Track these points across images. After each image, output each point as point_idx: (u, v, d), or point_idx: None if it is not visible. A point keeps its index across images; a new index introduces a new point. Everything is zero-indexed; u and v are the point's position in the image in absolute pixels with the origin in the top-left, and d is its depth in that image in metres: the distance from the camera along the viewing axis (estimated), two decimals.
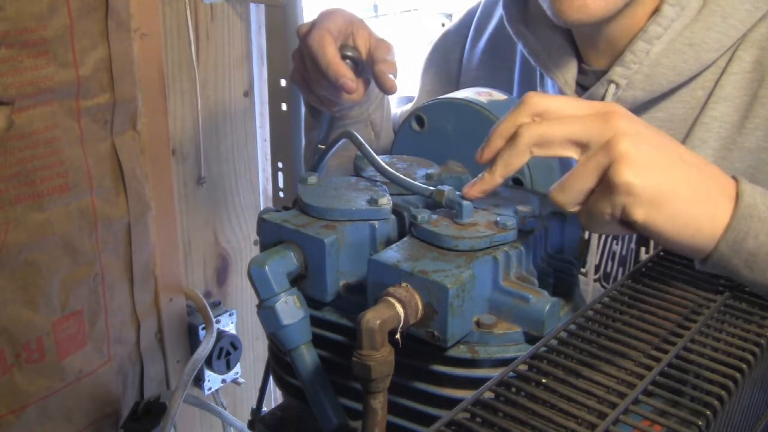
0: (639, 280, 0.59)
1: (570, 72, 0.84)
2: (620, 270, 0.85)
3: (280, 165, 1.42)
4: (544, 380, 0.47)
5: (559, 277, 0.62)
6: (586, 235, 0.67)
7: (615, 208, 0.54)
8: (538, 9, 0.81)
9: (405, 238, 0.59)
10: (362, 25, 0.84)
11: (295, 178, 1.40)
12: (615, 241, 0.85)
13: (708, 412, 0.44)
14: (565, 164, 0.69)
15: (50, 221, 1.01)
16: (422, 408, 0.58)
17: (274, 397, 1.52)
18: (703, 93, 0.79)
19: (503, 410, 0.45)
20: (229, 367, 1.35)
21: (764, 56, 0.77)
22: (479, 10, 1.01)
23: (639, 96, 0.79)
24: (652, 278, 0.59)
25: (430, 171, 0.69)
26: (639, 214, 0.53)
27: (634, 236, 0.83)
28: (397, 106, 1.10)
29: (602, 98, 0.80)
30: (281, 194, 1.44)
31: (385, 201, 0.62)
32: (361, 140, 0.68)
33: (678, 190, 0.54)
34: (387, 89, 0.83)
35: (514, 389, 0.47)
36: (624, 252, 0.84)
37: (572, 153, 0.56)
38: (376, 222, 0.61)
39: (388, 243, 0.61)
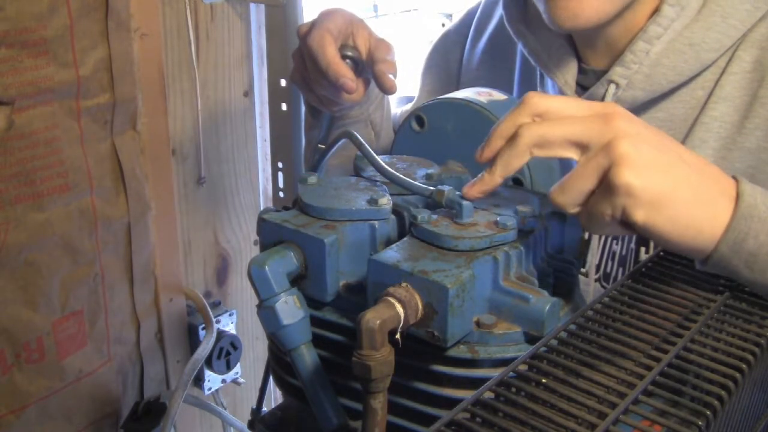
0: (639, 280, 0.59)
1: (570, 72, 0.84)
2: (620, 270, 0.85)
3: (280, 165, 1.42)
4: (544, 380, 0.47)
5: (559, 277, 0.62)
6: (586, 236, 0.67)
7: (615, 210, 0.54)
8: (538, 9, 0.81)
9: (405, 238, 0.59)
10: (362, 25, 0.84)
11: (295, 178, 1.40)
12: (615, 241, 0.85)
13: (708, 412, 0.44)
14: (566, 164, 0.69)
15: (50, 221, 1.01)
16: (422, 408, 0.58)
17: (274, 397, 1.52)
18: (703, 93, 0.79)
19: (503, 410, 0.45)
20: (229, 367, 1.35)
21: (764, 56, 0.77)
22: (479, 10, 1.02)
23: (639, 96, 0.79)
24: (652, 278, 0.59)
25: (430, 171, 0.69)
26: (639, 216, 0.53)
27: (634, 236, 0.83)
28: (397, 106, 1.10)
29: (602, 98, 0.80)
30: (281, 194, 1.44)
31: (385, 201, 0.62)
32: (361, 140, 0.68)
33: (678, 192, 0.54)
34: (387, 89, 0.83)
35: (514, 389, 0.47)
36: (624, 252, 0.84)
37: (572, 154, 0.56)
38: (376, 222, 0.61)
39: (388, 243, 0.61)
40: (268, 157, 1.43)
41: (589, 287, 0.86)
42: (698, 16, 0.77)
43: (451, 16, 1.78)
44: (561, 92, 0.85)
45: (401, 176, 0.66)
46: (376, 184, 0.67)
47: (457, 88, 0.85)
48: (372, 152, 0.67)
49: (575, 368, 0.48)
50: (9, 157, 0.95)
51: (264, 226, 0.63)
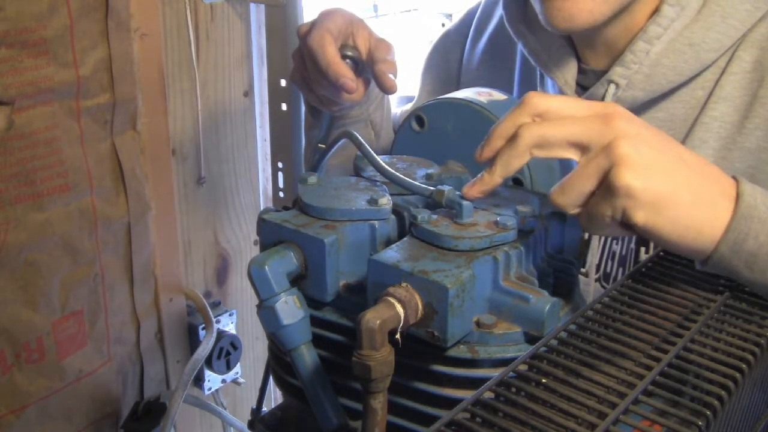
0: (639, 280, 0.59)
1: (570, 72, 0.84)
2: (620, 270, 0.85)
3: (280, 165, 1.42)
4: (544, 380, 0.47)
5: (559, 277, 0.62)
6: (586, 236, 0.67)
7: (615, 211, 0.54)
8: None
9: (405, 238, 0.59)
10: (362, 24, 0.84)
11: (295, 178, 1.40)
12: (615, 241, 0.85)
13: (708, 412, 0.44)
14: (566, 165, 0.69)
15: (50, 221, 1.01)
16: (422, 408, 0.58)
17: (274, 397, 1.52)
18: (703, 93, 0.79)
19: (503, 410, 0.45)
20: (229, 367, 1.35)
21: (764, 56, 0.77)
22: (479, 10, 1.02)
23: (639, 96, 0.79)
24: (652, 278, 0.59)
25: (430, 171, 0.69)
26: (639, 217, 0.53)
27: (634, 236, 0.83)
28: (397, 106, 1.10)
29: (602, 98, 0.80)
30: (281, 194, 1.44)
31: (385, 201, 0.62)
32: (361, 140, 0.68)
33: (679, 193, 0.54)
34: (387, 89, 0.83)
35: (514, 389, 0.47)
36: (624, 252, 0.84)
37: (572, 155, 0.56)
38: (376, 222, 0.61)
39: (388, 243, 0.61)
40: (268, 157, 1.43)
41: (589, 287, 0.86)
42: (698, 16, 0.77)
43: (451, 16, 1.78)
44: (561, 92, 0.85)
45: (401, 176, 0.66)
46: (376, 184, 0.67)
47: (457, 88, 0.85)
48: (372, 152, 0.67)
49: (575, 368, 0.48)
50: (9, 157, 0.95)
51: (264, 226, 0.63)
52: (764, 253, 0.55)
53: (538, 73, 0.90)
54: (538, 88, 0.91)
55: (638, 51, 0.78)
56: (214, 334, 1.27)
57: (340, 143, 0.74)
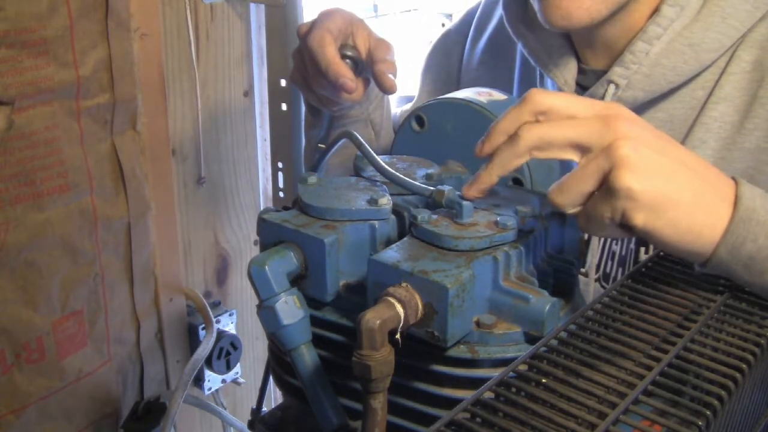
0: (639, 280, 0.59)
1: (570, 72, 0.84)
2: (620, 270, 0.85)
3: (280, 165, 1.42)
4: (544, 380, 0.47)
5: (559, 277, 0.62)
6: (586, 236, 0.67)
7: (615, 213, 0.53)
8: None
9: (405, 238, 0.59)
10: (362, 24, 0.84)
11: (295, 178, 1.40)
12: (615, 242, 0.85)
13: (708, 412, 0.44)
14: (566, 165, 0.69)
15: (50, 221, 1.01)
16: (422, 408, 0.58)
17: (274, 397, 1.52)
18: (702, 93, 0.79)
19: (503, 410, 0.45)
20: (229, 367, 1.35)
21: (764, 56, 0.77)
22: (479, 10, 1.02)
23: (639, 96, 0.79)
24: (652, 278, 0.59)
25: (430, 171, 0.69)
26: (639, 219, 0.53)
27: (634, 236, 0.83)
28: (397, 106, 1.10)
29: (602, 98, 0.80)
30: (281, 194, 1.44)
31: (385, 201, 0.62)
32: (361, 140, 0.68)
33: (679, 196, 0.54)
34: (386, 89, 0.83)
35: (514, 389, 0.47)
36: (624, 252, 0.84)
37: (572, 155, 0.56)
38: (376, 222, 0.61)
39: (388, 243, 0.61)
40: (268, 157, 1.43)
41: (589, 287, 0.86)
42: (698, 16, 0.77)
43: (451, 16, 1.78)
44: (561, 91, 0.85)
45: (401, 176, 0.66)
46: (376, 184, 0.67)
47: (457, 88, 0.85)
48: (372, 152, 0.67)
49: (575, 368, 0.48)
50: (9, 157, 0.95)
51: (264, 226, 0.63)
52: (763, 256, 0.55)
53: (538, 73, 0.90)
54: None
55: (638, 51, 0.78)
56: (214, 334, 1.27)
57: (340, 143, 0.74)
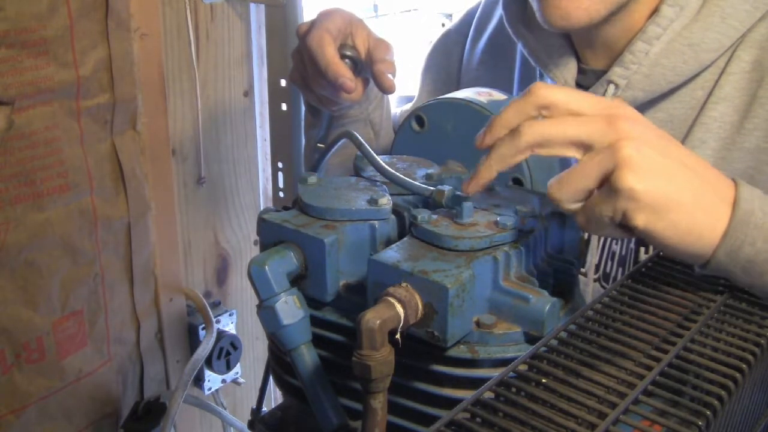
0: (639, 280, 0.59)
1: (569, 72, 0.84)
2: (620, 270, 0.85)
3: (280, 165, 1.42)
4: (544, 380, 0.47)
5: (559, 277, 0.62)
6: (586, 236, 0.67)
7: (616, 213, 0.53)
8: None
9: (405, 238, 0.59)
10: (361, 24, 0.85)
11: (295, 178, 1.40)
12: (615, 241, 0.85)
13: (708, 412, 0.44)
14: (566, 164, 0.69)
15: (50, 221, 1.01)
16: (422, 408, 0.58)
17: (274, 397, 1.52)
18: (702, 93, 0.79)
19: (503, 410, 0.45)
20: (229, 367, 1.35)
21: (763, 56, 0.77)
22: (479, 10, 1.02)
23: (638, 96, 0.79)
24: (652, 278, 0.59)
25: (430, 171, 0.69)
26: (640, 220, 0.53)
27: (633, 237, 0.83)
28: (397, 106, 1.10)
29: None
30: (281, 194, 1.44)
31: (385, 201, 0.62)
32: (361, 140, 0.68)
33: (680, 198, 0.53)
34: (386, 89, 0.83)
35: (514, 389, 0.47)
36: (624, 252, 0.84)
37: (574, 153, 0.55)
38: (376, 222, 0.61)
39: (388, 243, 0.61)
40: (268, 157, 1.43)
41: (588, 287, 0.86)
42: (697, 16, 0.77)
43: (451, 16, 1.78)
44: None
45: (401, 176, 0.66)
46: (376, 184, 0.67)
47: (457, 88, 0.85)
48: (372, 152, 0.67)
49: (575, 368, 0.48)
50: (9, 157, 0.95)
51: (264, 226, 0.63)
52: (761, 259, 0.55)
53: (538, 73, 0.90)
54: None
55: (637, 51, 0.78)
56: (214, 334, 1.27)
57: (340, 143, 0.74)
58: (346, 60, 0.82)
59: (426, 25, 1.80)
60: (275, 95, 1.37)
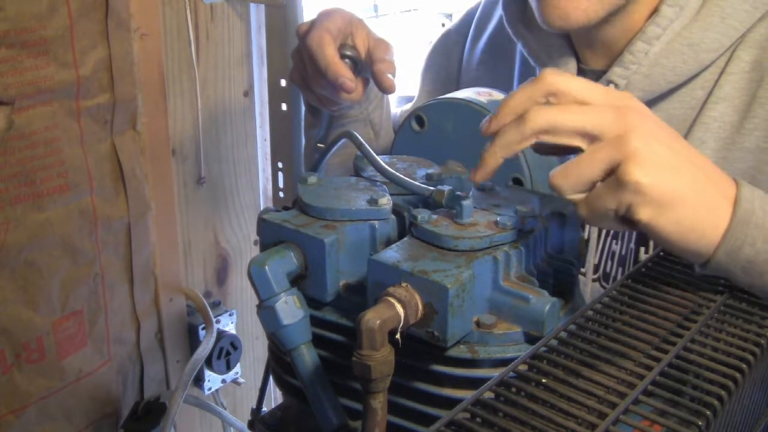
0: (639, 280, 0.59)
1: (569, 72, 0.84)
2: (620, 270, 0.85)
3: (280, 165, 1.42)
4: (544, 380, 0.47)
5: (559, 277, 0.62)
6: (585, 235, 0.67)
7: (620, 205, 0.53)
8: None
9: (405, 238, 0.59)
10: (361, 24, 0.85)
11: (295, 178, 1.40)
12: (614, 241, 0.85)
13: (708, 412, 0.44)
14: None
15: (50, 221, 1.01)
16: (422, 408, 0.58)
17: (274, 397, 1.52)
18: (702, 93, 0.79)
19: (503, 410, 0.45)
20: (229, 367, 1.35)
21: (763, 56, 0.77)
22: (479, 10, 1.02)
23: (638, 96, 0.78)
24: (652, 278, 0.59)
25: (430, 171, 0.69)
26: (644, 214, 0.53)
27: (634, 236, 0.83)
28: (397, 106, 1.10)
29: None
30: (281, 194, 1.44)
31: (385, 201, 0.62)
32: (361, 140, 0.68)
33: (685, 194, 0.53)
34: (386, 89, 0.83)
35: (514, 389, 0.47)
36: (623, 252, 0.84)
37: (580, 143, 0.54)
38: (376, 222, 0.61)
39: (388, 243, 0.61)
40: (268, 157, 1.43)
41: (588, 287, 0.86)
42: (697, 16, 0.77)
43: (451, 16, 1.78)
44: None
45: (401, 176, 0.66)
46: (376, 184, 0.67)
47: (457, 88, 0.85)
48: (372, 152, 0.67)
49: (575, 368, 0.48)
50: (9, 157, 0.95)
51: (264, 226, 0.63)
52: (761, 260, 0.55)
53: (538, 73, 0.90)
54: None
55: (637, 51, 0.78)
56: (214, 334, 1.27)
57: (340, 143, 0.74)
58: (346, 60, 0.82)
59: (426, 25, 1.81)
60: (275, 95, 1.37)
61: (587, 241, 0.82)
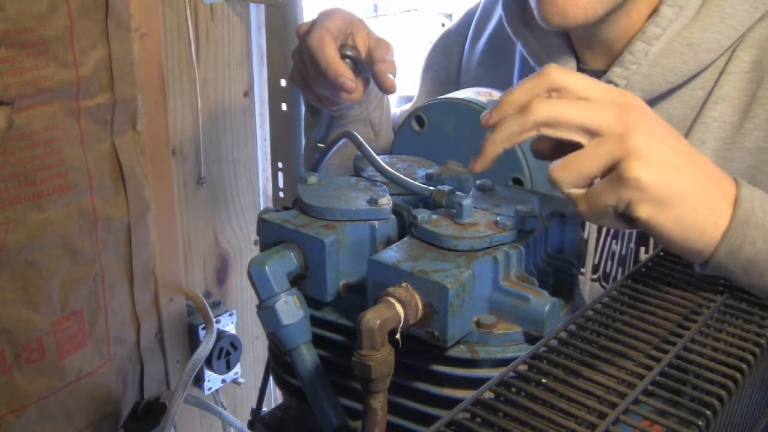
0: (639, 280, 0.59)
1: None
2: (620, 270, 0.85)
3: (280, 165, 1.42)
4: (544, 380, 0.47)
5: (559, 277, 0.62)
6: (585, 235, 0.67)
7: (620, 202, 0.53)
8: None
9: (405, 238, 0.59)
10: (362, 24, 0.85)
11: (295, 178, 1.40)
12: (614, 241, 0.85)
13: (708, 412, 0.44)
14: None
15: (50, 221, 1.01)
16: (422, 408, 0.58)
17: (274, 397, 1.52)
18: (702, 93, 0.79)
19: (503, 410, 0.45)
20: (229, 367, 1.35)
21: (763, 56, 0.77)
22: (479, 10, 1.02)
23: (638, 96, 0.79)
24: (652, 278, 0.59)
25: (430, 171, 0.69)
26: (644, 212, 0.53)
27: (634, 236, 0.83)
28: (397, 106, 1.10)
29: None
30: (281, 194, 1.44)
31: (385, 201, 0.62)
32: (361, 140, 0.68)
33: (685, 192, 0.53)
34: (386, 89, 0.83)
35: (514, 389, 0.47)
36: (623, 252, 0.84)
37: (580, 138, 0.54)
38: (376, 222, 0.61)
39: (388, 243, 0.61)
40: (268, 157, 1.43)
41: (586, 287, 0.86)
42: (697, 16, 0.77)
43: (451, 16, 1.78)
44: None
45: (401, 176, 0.66)
46: (376, 184, 0.67)
47: (457, 88, 0.85)
48: (372, 152, 0.67)
49: (575, 368, 0.48)
50: (9, 157, 0.95)
51: (264, 226, 0.63)
52: (761, 259, 0.55)
53: None
54: None
55: (637, 51, 0.78)
56: (214, 334, 1.27)
57: (340, 143, 0.74)
58: (347, 60, 0.82)
59: (426, 25, 1.81)
60: (275, 95, 1.37)
61: (587, 241, 0.82)
